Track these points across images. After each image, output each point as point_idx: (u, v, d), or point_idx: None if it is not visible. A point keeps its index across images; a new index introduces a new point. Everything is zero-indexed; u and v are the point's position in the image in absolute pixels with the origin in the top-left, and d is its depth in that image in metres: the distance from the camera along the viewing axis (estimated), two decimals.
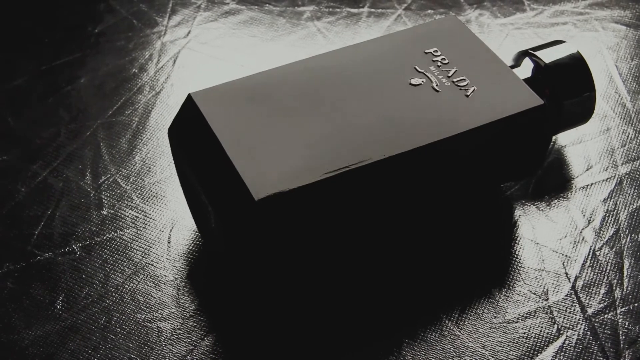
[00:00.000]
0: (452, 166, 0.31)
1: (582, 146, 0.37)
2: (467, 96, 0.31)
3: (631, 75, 0.40)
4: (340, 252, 0.32)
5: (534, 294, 0.31)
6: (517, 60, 0.35)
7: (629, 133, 0.37)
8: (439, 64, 0.32)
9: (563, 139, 0.37)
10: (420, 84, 0.32)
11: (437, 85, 0.32)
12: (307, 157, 0.29)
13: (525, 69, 0.34)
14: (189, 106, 0.31)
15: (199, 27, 0.43)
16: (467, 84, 0.32)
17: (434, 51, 0.33)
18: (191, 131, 0.31)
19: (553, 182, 0.35)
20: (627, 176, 0.35)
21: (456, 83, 0.32)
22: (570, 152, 0.36)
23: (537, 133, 0.31)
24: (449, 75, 0.32)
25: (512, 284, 0.31)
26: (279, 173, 0.28)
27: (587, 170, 0.36)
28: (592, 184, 0.35)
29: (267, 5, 0.44)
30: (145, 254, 0.33)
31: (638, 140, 0.37)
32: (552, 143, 0.37)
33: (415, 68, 0.32)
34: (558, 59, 0.34)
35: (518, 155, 0.32)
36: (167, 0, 0.44)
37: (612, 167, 0.36)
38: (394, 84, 0.32)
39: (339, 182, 0.28)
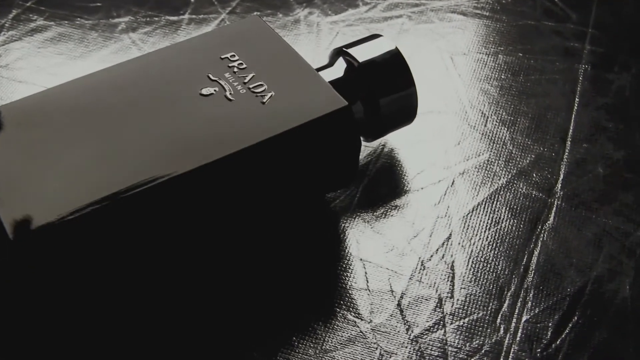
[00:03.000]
0: (254, 180, 0.27)
1: (414, 147, 0.34)
2: (263, 103, 0.28)
3: (467, 67, 0.37)
4: (132, 281, 0.28)
5: (357, 317, 0.28)
6: (332, 60, 0.32)
7: (463, 129, 0.34)
8: (235, 69, 0.29)
9: (394, 140, 0.34)
10: (212, 94, 0.28)
11: (230, 93, 0.28)
12: (78, 185, 0.25)
13: (338, 69, 0.31)
14: None
15: (1, 48, 0.39)
16: (264, 89, 0.28)
17: (230, 56, 0.30)
18: None
19: (382, 189, 0.32)
20: (460, 176, 0.32)
21: (252, 89, 0.28)
22: (402, 155, 0.33)
23: (345, 138, 0.28)
24: (245, 81, 0.29)
25: (332, 308, 0.28)
26: (45, 206, 0.25)
27: (419, 173, 0.33)
28: (423, 188, 0.32)
29: (79, 19, 0.40)
30: None
31: (473, 137, 0.34)
32: (381, 146, 0.34)
33: (208, 76, 0.29)
34: (373, 56, 0.31)
35: (330, 163, 0.29)
36: None
37: (445, 168, 0.33)
38: (184, 95, 0.28)
39: (115, 208, 0.25)
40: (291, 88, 0.28)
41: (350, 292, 0.29)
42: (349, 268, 0.29)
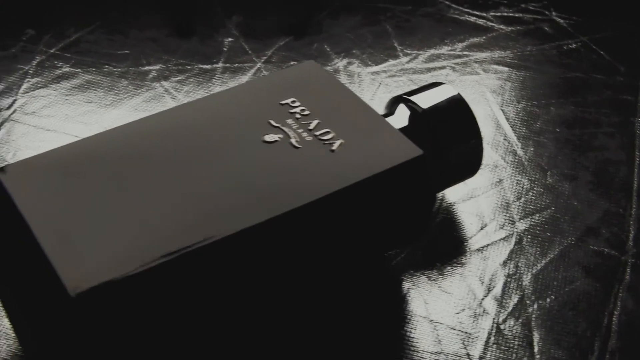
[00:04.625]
0: (321, 235, 0.25)
1: (473, 202, 0.32)
2: (333, 151, 0.26)
3: (519, 119, 0.36)
4: (190, 342, 0.26)
5: None
6: (391, 108, 0.30)
7: (523, 184, 0.33)
8: (298, 115, 0.27)
9: (451, 195, 0.32)
10: (276, 141, 0.26)
11: (296, 140, 0.26)
12: (139, 239, 0.23)
13: (400, 117, 0.29)
14: None
15: (26, 95, 0.37)
16: (332, 137, 0.26)
17: (291, 102, 0.28)
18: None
19: (444, 246, 0.30)
20: (526, 233, 0.30)
21: (319, 137, 0.26)
22: (461, 210, 0.31)
23: (419, 189, 0.26)
24: (310, 128, 0.27)
25: None
26: (103, 260, 0.22)
27: (482, 229, 0.31)
28: (488, 245, 0.30)
29: (107, 66, 0.38)
30: None
31: (535, 191, 0.32)
32: (439, 201, 0.32)
33: (270, 122, 0.27)
34: (437, 103, 0.29)
35: (400, 216, 0.27)
36: None
37: (508, 223, 0.31)
38: (245, 142, 0.26)
39: (179, 265, 0.23)
40: (360, 135, 0.27)
41: (422, 355, 0.26)
42: (419, 330, 0.27)
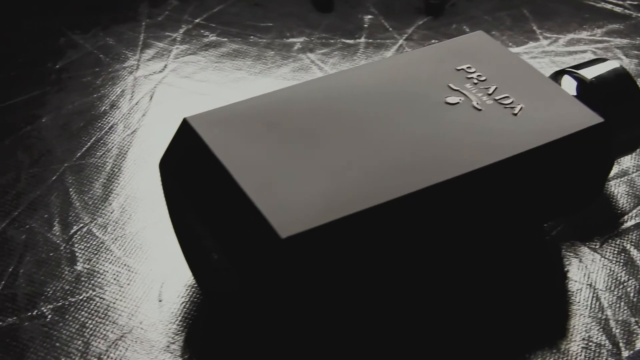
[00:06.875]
0: (499, 197, 0.26)
1: (627, 179, 0.32)
2: (515, 115, 0.26)
3: None
4: (372, 294, 0.26)
5: (603, 347, 0.26)
6: (555, 81, 0.30)
7: None
8: (475, 81, 0.28)
9: None
10: (458, 103, 0.27)
11: (477, 103, 0.27)
12: (335, 189, 0.24)
13: (567, 89, 0.30)
14: (185, 133, 0.26)
15: (177, 60, 0.38)
16: (512, 102, 0.27)
17: (467, 67, 0.28)
18: (190, 162, 0.25)
19: (601, 219, 0.30)
20: None
21: (499, 101, 0.27)
22: (615, 187, 0.32)
23: (597, 157, 0.27)
24: (490, 93, 0.27)
25: (575, 337, 0.26)
26: (305, 207, 0.23)
27: (639, 205, 0.31)
28: None
29: (252, 37, 0.39)
30: (132, 315, 0.27)
31: None
32: None
33: (449, 86, 0.28)
34: (604, 75, 0.30)
35: (575, 182, 0.27)
36: (138, 34, 0.39)
37: None
38: (428, 103, 0.27)
39: (373, 217, 0.23)
40: (538, 102, 0.27)
41: (589, 322, 0.27)
42: (584, 297, 0.27)
